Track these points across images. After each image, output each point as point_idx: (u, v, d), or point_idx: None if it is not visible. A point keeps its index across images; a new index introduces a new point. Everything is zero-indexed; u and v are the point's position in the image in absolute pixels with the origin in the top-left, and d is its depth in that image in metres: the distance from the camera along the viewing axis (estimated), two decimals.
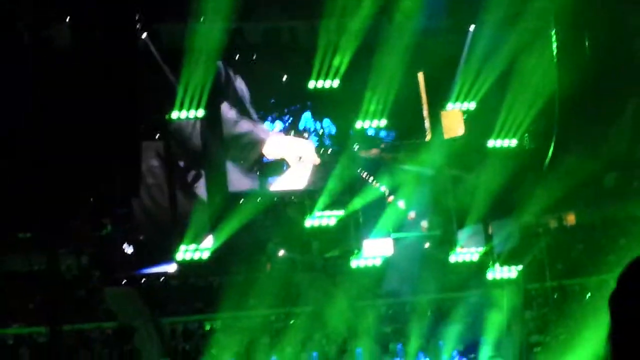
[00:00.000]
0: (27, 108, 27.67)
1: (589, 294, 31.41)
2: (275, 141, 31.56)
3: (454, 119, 33.03)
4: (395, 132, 33.08)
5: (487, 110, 32.42)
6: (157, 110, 29.91)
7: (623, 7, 33.55)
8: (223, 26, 29.11)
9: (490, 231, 32.48)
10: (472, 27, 31.86)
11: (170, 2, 29.78)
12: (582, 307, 29.85)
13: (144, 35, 29.52)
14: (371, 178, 32.43)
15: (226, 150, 30.90)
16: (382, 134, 32.94)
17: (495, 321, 31.26)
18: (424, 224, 33.55)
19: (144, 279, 30.94)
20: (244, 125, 31.22)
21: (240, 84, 31.24)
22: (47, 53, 28.26)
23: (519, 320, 32.15)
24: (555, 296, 32.96)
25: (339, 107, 31.81)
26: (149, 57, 29.44)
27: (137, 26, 29.42)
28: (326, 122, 32.32)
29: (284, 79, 31.93)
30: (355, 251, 31.32)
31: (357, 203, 31.59)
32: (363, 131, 32.11)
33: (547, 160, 32.58)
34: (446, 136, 32.80)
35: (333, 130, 32.45)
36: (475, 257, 32.12)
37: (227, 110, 30.92)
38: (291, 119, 32.29)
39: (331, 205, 31.30)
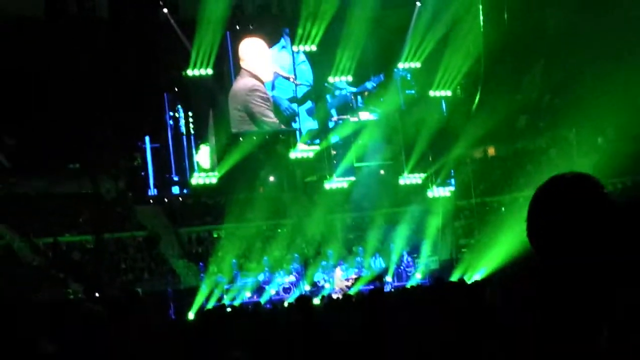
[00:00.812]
0: (73, 66, 27.55)
1: (503, 208, 31.91)
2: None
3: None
4: (359, 84, 33.19)
5: (429, 67, 32.93)
6: (176, 69, 29.95)
7: None
8: (226, 1, 29.04)
9: (430, 160, 33.32)
10: (418, 3, 32.28)
11: None
12: (498, 218, 30.06)
13: (165, 8, 29.53)
14: (341, 121, 32.80)
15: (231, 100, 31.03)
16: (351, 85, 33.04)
17: (432, 229, 31.71)
18: None
19: (166, 199, 31.38)
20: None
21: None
22: (89, 21, 28.43)
23: (450, 228, 33.09)
24: (478, 210, 33.32)
25: (316, 65, 32.19)
26: (168, 26, 29.43)
27: (160, 2, 29.34)
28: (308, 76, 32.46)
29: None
30: (328, 176, 32.18)
31: (330, 140, 32.43)
32: (334, 84, 32.59)
33: (474, 106, 33.34)
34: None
35: (311, 81, 32.58)
36: (419, 181, 33.12)
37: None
38: None
39: (310, 141, 32.19)
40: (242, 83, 31.26)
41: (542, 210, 2.35)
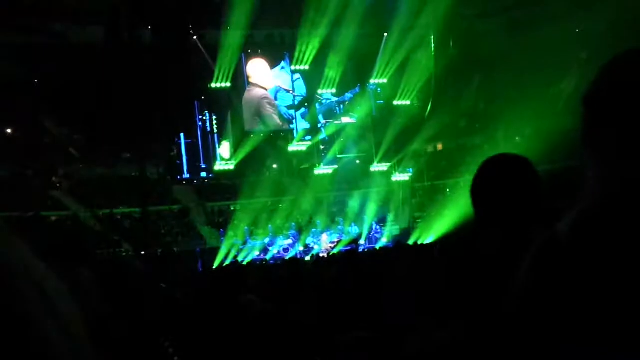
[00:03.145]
0: (125, 80, 27.09)
1: (448, 190, 31.84)
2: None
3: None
4: (341, 95, 33.21)
5: (393, 83, 32.98)
6: (203, 82, 29.82)
7: (472, 19, 34.40)
8: (241, 32, 29.03)
9: (394, 153, 33.05)
10: (385, 34, 32.13)
11: (209, 17, 29.11)
12: (444, 197, 30.52)
13: (195, 37, 29.48)
14: (327, 123, 32.72)
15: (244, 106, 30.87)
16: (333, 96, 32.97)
17: (395, 204, 32.01)
18: None
19: (196, 181, 31.08)
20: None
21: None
22: (137, 46, 28.03)
23: (408, 204, 32.94)
24: (429, 191, 33.45)
25: (308, 80, 32.02)
26: (197, 50, 29.31)
27: (191, 31, 29.23)
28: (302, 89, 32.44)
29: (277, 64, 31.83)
30: (317, 165, 32.15)
31: (319, 137, 32.36)
32: (322, 95, 32.52)
33: (427, 113, 33.30)
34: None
35: (305, 93, 32.53)
36: (385, 168, 33.05)
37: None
38: None
39: (303, 138, 32.05)
40: (254, 92, 31.06)
41: (488, 183, 2.24)
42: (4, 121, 28.59)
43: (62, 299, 0.77)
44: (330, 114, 32.92)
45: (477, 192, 2.25)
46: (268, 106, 31.15)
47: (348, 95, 33.21)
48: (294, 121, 32.39)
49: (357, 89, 33.23)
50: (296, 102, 32.29)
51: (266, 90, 31.34)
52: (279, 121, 31.62)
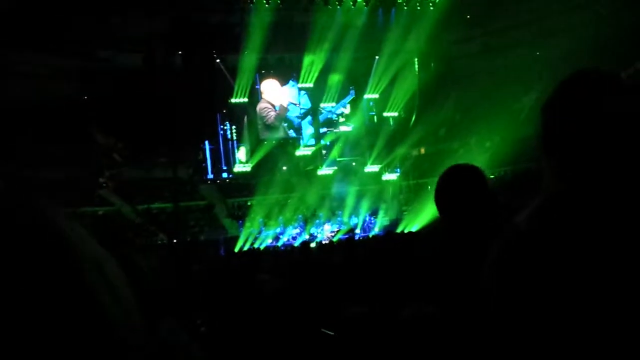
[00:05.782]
0: (160, 97, 26.88)
1: (429, 187, 30.91)
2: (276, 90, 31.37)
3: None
4: (340, 107, 32.79)
5: (384, 97, 32.78)
6: (224, 98, 29.76)
7: (450, 45, 34.15)
8: (256, 56, 29.00)
9: (384, 156, 32.84)
10: (377, 57, 31.90)
11: (231, 44, 28.74)
12: (426, 193, 29.39)
13: (218, 60, 29.44)
14: (328, 132, 32.37)
15: (259, 118, 30.73)
16: (334, 108, 32.67)
17: (385, 200, 31.96)
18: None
19: (218, 181, 30.75)
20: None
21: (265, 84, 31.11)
22: (170, 70, 28.12)
23: (396, 199, 32.70)
24: (414, 188, 33.14)
25: (312, 95, 31.78)
26: (220, 71, 29.33)
27: (214, 55, 29.24)
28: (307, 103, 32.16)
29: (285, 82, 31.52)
30: (320, 167, 31.90)
31: (321, 143, 32.12)
32: (324, 108, 32.29)
33: (412, 123, 33.03)
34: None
35: (310, 106, 32.16)
36: (377, 169, 32.88)
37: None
38: None
39: (308, 144, 31.94)
40: (259, 105, 30.95)
41: (447, 186, 2.36)
42: (58, 133, 28.50)
43: (119, 281, 0.73)
44: (331, 124, 32.65)
45: (440, 195, 2.43)
46: (268, 116, 31.03)
47: (344, 101, 32.82)
48: (301, 130, 32.18)
49: (352, 94, 32.76)
50: (302, 114, 32.08)
51: (273, 105, 31.16)
52: (282, 133, 31.56)
